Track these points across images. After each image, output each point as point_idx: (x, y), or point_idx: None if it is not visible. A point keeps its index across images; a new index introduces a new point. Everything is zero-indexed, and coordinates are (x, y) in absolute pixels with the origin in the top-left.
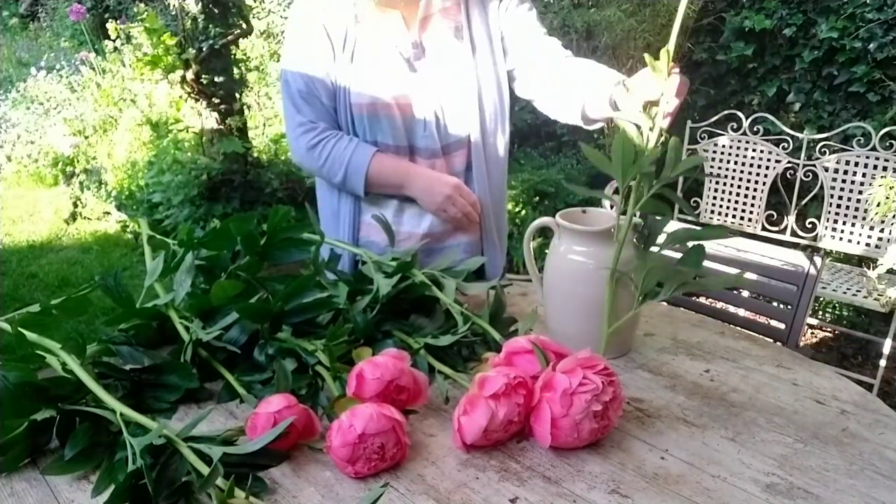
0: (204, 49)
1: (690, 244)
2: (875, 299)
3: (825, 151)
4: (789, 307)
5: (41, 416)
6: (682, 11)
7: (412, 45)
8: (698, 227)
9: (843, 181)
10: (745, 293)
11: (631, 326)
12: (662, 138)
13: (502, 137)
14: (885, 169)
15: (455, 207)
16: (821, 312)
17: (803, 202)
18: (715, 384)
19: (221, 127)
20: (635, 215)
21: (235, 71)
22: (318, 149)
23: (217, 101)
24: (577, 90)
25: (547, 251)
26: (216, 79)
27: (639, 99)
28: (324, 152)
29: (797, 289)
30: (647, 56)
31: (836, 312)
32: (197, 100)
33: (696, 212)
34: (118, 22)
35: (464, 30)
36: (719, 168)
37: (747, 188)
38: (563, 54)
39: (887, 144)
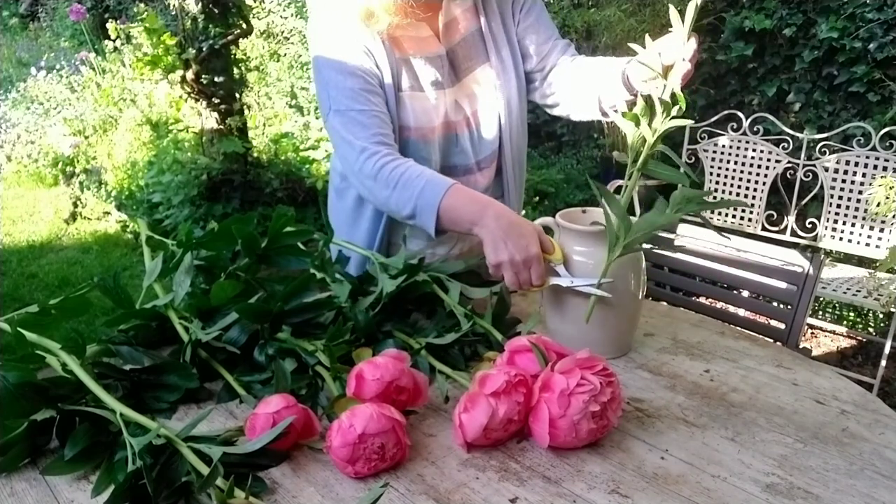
0: (204, 49)
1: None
2: (875, 299)
3: (825, 151)
4: (789, 307)
5: (41, 416)
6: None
7: (440, 58)
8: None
9: (843, 181)
10: (745, 293)
11: (631, 326)
12: (674, 110)
13: (524, 142)
14: (885, 169)
15: (513, 277)
16: (821, 312)
17: (803, 202)
18: (715, 384)
19: (221, 127)
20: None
21: (235, 71)
22: (383, 173)
23: (217, 101)
24: (590, 86)
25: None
26: (216, 79)
27: (655, 55)
28: (391, 179)
29: (797, 289)
30: (674, 15)
31: (836, 312)
32: (197, 100)
33: None
34: (118, 22)
35: (485, 34)
36: (719, 168)
37: (747, 188)
38: (574, 56)
39: (887, 144)
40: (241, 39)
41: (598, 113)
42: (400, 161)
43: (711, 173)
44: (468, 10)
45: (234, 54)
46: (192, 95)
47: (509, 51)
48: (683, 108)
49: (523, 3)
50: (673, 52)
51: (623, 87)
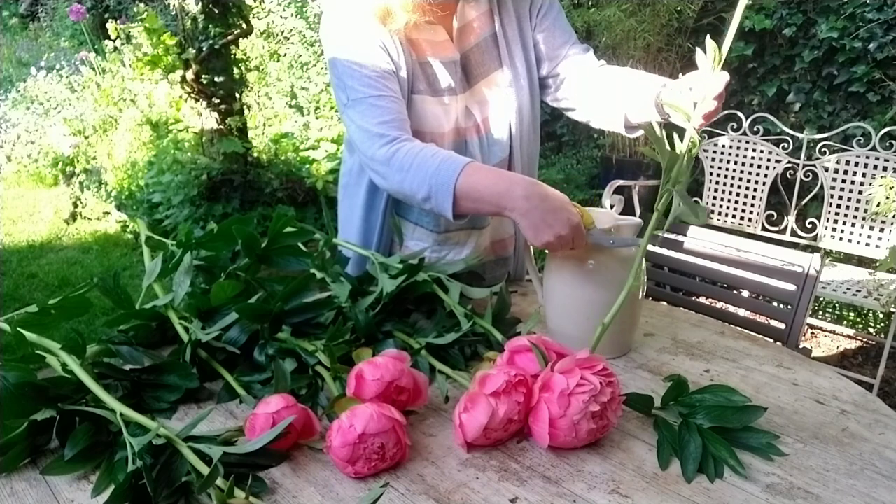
0: (204, 49)
1: None
2: (875, 299)
3: (825, 151)
4: (789, 307)
5: (41, 416)
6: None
7: (454, 63)
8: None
9: (843, 181)
10: (746, 293)
11: (631, 326)
12: (694, 147)
13: (535, 148)
14: (885, 169)
15: (559, 250)
16: (821, 312)
17: (803, 202)
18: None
19: (221, 127)
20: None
21: (235, 71)
22: (397, 157)
23: (217, 101)
24: (618, 98)
25: (547, 251)
26: (216, 79)
27: (686, 89)
28: (405, 161)
29: (797, 289)
30: (699, 50)
31: (837, 312)
32: (197, 100)
33: None
34: (118, 22)
35: (499, 40)
36: (719, 168)
37: (747, 188)
38: (598, 63)
39: (887, 144)
40: (241, 39)
41: (621, 126)
42: (415, 143)
43: (711, 173)
44: (484, 13)
45: (234, 54)
46: (192, 95)
47: (523, 56)
48: (696, 148)
49: (540, 6)
50: (702, 88)
51: (655, 111)
